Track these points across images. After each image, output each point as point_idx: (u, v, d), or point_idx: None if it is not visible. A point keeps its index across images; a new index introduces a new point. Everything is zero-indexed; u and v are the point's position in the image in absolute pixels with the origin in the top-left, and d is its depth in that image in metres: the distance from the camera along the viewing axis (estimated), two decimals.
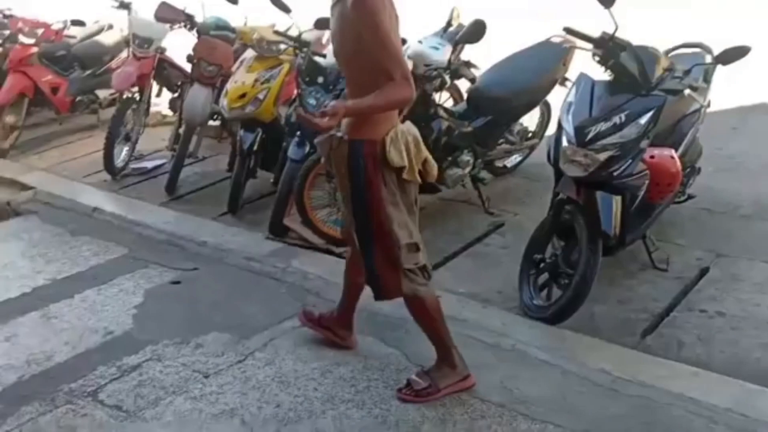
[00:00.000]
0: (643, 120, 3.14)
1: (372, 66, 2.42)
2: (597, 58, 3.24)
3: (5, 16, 7.06)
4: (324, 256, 4.05)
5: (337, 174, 2.69)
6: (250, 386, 2.97)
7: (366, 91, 2.44)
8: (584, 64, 3.62)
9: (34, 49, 6.43)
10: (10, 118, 6.39)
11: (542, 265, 3.37)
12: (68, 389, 3.01)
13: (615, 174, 3.12)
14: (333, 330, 3.21)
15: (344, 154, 2.57)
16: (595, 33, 3.28)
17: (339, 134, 2.57)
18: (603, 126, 3.08)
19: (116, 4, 5.86)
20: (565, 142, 3.17)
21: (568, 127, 3.17)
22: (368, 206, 2.60)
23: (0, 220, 5.12)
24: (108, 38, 6.76)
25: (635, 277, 3.66)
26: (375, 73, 2.41)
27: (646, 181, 3.30)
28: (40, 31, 6.62)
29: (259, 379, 3.01)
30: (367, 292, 2.90)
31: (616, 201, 3.19)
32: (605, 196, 3.16)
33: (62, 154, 6.22)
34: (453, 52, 4.03)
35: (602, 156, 3.08)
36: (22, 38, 6.44)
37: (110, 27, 6.89)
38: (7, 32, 6.66)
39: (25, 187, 5.47)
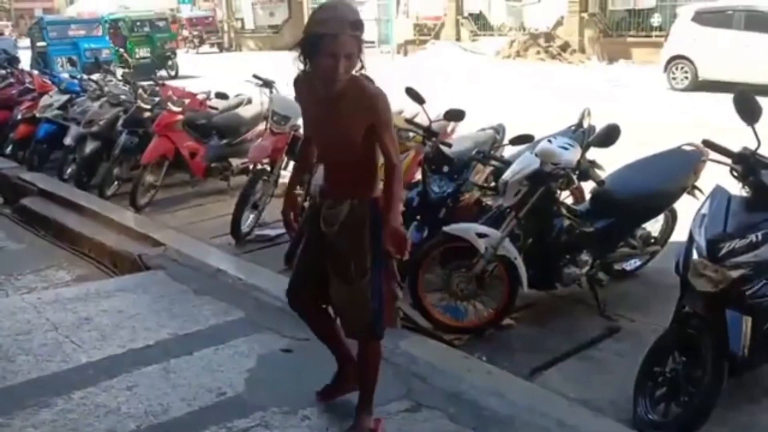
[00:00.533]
0: None
1: (362, 152, 2.81)
2: (735, 174, 3.19)
3: (158, 84, 7.72)
4: (432, 341, 4.05)
5: (351, 235, 2.88)
6: None
7: (346, 172, 2.87)
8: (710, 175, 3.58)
9: (180, 117, 6.96)
10: (150, 177, 6.90)
11: (661, 378, 3.24)
12: None
13: (747, 293, 3.01)
14: (349, 382, 3.31)
15: (364, 214, 2.88)
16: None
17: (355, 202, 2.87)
18: (738, 243, 2.99)
19: (260, 82, 6.30)
20: (695, 255, 3.10)
21: (700, 240, 3.10)
22: (382, 253, 2.88)
23: (131, 272, 5.47)
24: (246, 111, 7.25)
25: (758, 403, 3.45)
26: (362, 157, 2.83)
27: None
28: (186, 101, 7.19)
29: None
30: None
31: (746, 321, 3.06)
32: (735, 315, 3.04)
33: (192, 215, 6.61)
34: (582, 154, 4.06)
35: (734, 273, 2.98)
36: (170, 105, 7.01)
37: (249, 101, 7.40)
38: (157, 99, 7.26)
39: (156, 243, 5.80)
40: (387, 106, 2.79)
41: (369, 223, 2.87)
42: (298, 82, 2.95)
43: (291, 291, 3.17)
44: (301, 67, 2.77)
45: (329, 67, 2.63)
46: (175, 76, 20.72)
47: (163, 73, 21.51)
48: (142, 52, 22.45)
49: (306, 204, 5.52)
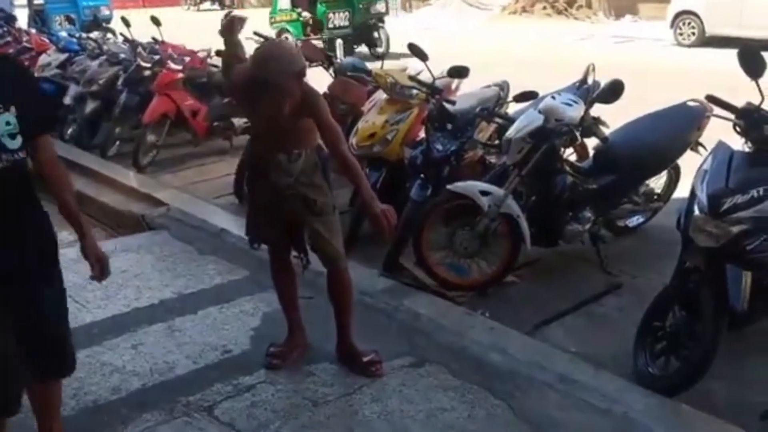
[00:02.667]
0: None
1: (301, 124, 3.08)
2: (738, 129, 3.16)
3: (157, 42, 7.63)
4: (435, 298, 4.09)
5: (310, 179, 3.15)
6: (357, 421, 3.03)
7: (290, 137, 3.09)
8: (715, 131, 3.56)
9: (180, 75, 6.90)
10: (151, 137, 6.87)
11: (661, 333, 3.27)
12: (186, 402, 3.16)
13: (748, 248, 3.00)
14: (298, 349, 3.50)
15: (316, 160, 3.16)
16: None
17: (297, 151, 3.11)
18: (739, 198, 2.98)
19: (262, 39, 6.21)
20: (697, 211, 3.09)
21: (702, 195, 3.09)
22: (331, 194, 3.24)
23: (134, 232, 5.49)
24: None
25: (757, 357, 3.49)
26: (303, 126, 3.09)
27: None
28: (187, 59, 7.12)
29: (365, 414, 3.07)
30: None
31: (746, 276, 3.07)
32: (735, 270, 3.05)
33: (195, 175, 6.60)
34: (586, 110, 4.02)
35: (735, 229, 2.97)
36: (170, 64, 6.94)
37: None
38: (157, 57, 7.19)
39: (159, 202, 5.81)
40: (323, 101, 3.14)
41: (320, 168, 3.18)
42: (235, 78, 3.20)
43: (256, 227, 3.37)
44: None
45: (275, 106, 2.93)
46: (384, 55, 13.36)
47: (362, 48, 14.88)
48: (339, 18, 14.71)
49: None
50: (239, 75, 3.17)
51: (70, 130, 7.91)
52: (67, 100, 7.76)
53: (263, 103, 2.99)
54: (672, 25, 14.27)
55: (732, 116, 3.25)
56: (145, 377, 3.38)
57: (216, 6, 31.32)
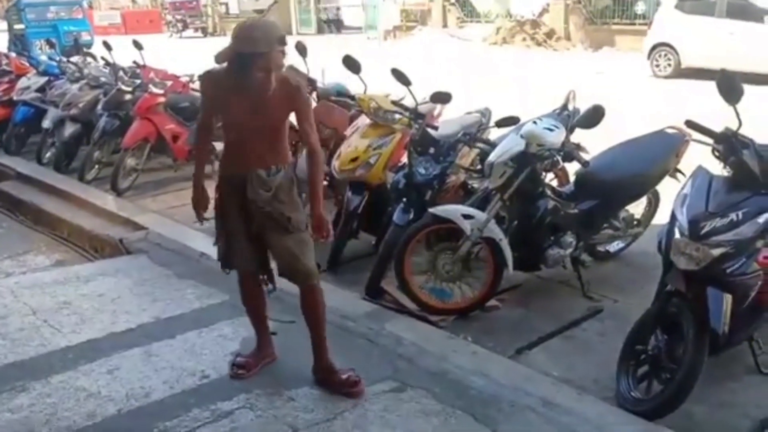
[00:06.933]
0: (762, 219, 3.05)
1: (282, 129, 3.15)
2: (717, 154, 3.20)
3: (138, 66, 7.62)
4: (418, 323, 4.06)
5: (286, 195, 3.16)
6: None
7: (272, 146, 3.13)
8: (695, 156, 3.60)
9: (162, 99, 6.88)
10: (131, 161, 6.83)
11: (643, 356, 3.27)
12: (163, 427, 3.09)
13: (728, 271, 3.03)
14: (265, 360, 3.56)
15: (292, 176, 3.20)
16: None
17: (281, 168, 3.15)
18: (719, 222, 3.01)
19: None
20: (677, 234, 3.12)
21: (682, 219, 3.12)
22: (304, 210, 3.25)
23: (112, 256, 5.42)
24: None
25: (738, 380, 3.50)
26: (282, 133, 3.16)
27: (759, 282, 3.18)
28: (168, 83, 7.10)
29: None
30: None
31: (727, 299, 3.08)
32: (716, 293, 3.07)
33: (175, 199, 6.54)
34: (567, 135, 4.05)
35: (716, 252, 3.00)
36: (152, 88, 6.91)
37: None
38: (138, 81, 7.17)
39: (138, 227, 5.75)
40: (307, 95, 3.21)
41: (295, 184, 3.22)
42: (208, 78, 3.15)
43: (229, 254, 3.35)
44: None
45: (262, 80, 2.93)
46: None
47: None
48: None
49: None
50: (221, 56, 3.01)
51: (48, 154, 7.86)
52: (46, 123, 7.71)
53: (250, 79, 2.93)
54: (649, 57, 14.52)
55: (711, 141, 3.30)
56: (120, 403, 3.30)
57: (199, 34, 31.47)
